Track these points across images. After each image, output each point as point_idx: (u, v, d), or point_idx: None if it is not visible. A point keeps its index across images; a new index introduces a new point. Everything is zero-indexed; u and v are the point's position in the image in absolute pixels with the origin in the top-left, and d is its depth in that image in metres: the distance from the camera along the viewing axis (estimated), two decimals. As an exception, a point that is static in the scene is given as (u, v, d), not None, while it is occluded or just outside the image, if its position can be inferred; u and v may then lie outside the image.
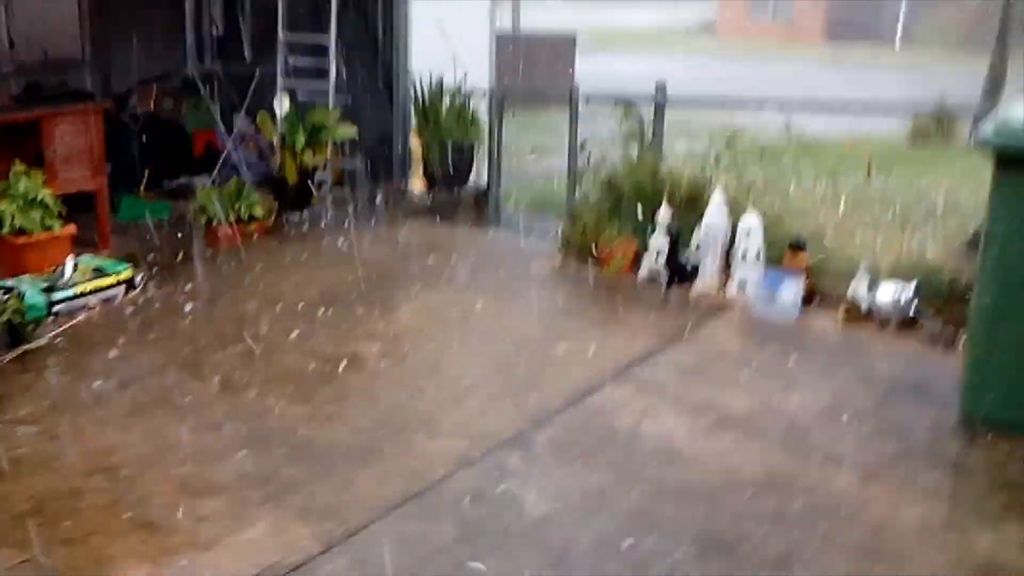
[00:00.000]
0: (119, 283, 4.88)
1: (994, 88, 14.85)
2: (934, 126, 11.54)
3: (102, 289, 4.79)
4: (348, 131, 6.38)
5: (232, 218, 5.73)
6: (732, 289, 5.16)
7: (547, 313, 5.00)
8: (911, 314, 4.74)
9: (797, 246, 5.07)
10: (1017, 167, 3.51)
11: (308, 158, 6.10)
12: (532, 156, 10.32)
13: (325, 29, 6.60)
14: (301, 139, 6.06)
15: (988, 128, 3.59)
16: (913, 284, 4.79)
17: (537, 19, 26.74)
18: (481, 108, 6.78)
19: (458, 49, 6.54)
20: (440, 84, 6.78)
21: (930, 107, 5.55)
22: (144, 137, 6.91)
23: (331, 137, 6.24)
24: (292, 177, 6.13)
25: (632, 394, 4.01)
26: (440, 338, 4.57)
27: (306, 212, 6.33)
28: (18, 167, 5.02)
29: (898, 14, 32.13)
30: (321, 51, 6.64)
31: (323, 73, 6.62)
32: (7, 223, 4.88)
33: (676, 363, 4.33)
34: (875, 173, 8.42)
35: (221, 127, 7.07)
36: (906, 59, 27.93)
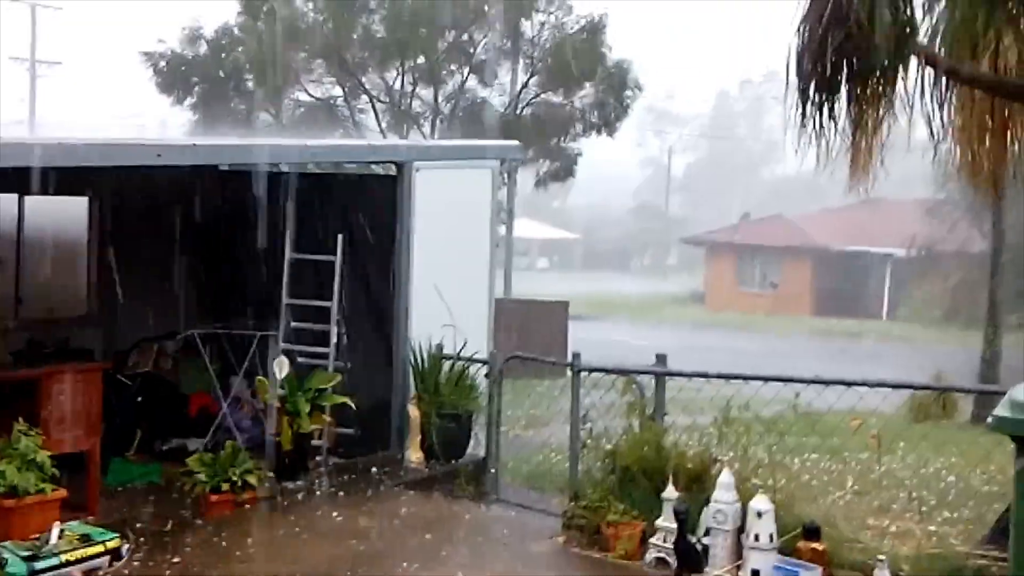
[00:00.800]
0: (105, 552, 4.64)
1: (991, 364, 15.23)
2: (934, 402, 11.66)
3: (87, 558, 4.56)
4: (346, 398, 6.36)
5: (225, 487, 5.55)
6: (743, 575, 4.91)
7: (551, 601, 4.72)
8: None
9: (812, 533, 4.89)
10: None
11: (306, 424, 6.02)
12: (530, 432, 10.28)
13: (328, 295, 6.79)
14: (304, 405, 6.01)
15: (1005, 409, 3.47)
16: (935, 576, 4.57)
17: (527, 288, 27.88)
18: (479, 375, 6.81)
19: (457, 315, 6.68)
20: (440, 351, 6.85)
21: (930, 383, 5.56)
22: (140, 397, 6.89)
23: (330, 403, 6.21)
24: (287, 443, 6.02)
25: None
26: (438, 626, 4.28)
27: (301, 480, 6.15)
28: (20, 426, 4.94)
29: (883, 287, 33.66)
30: (323, 316, 6.78)
31: (324, 338, 6.72)
32: (2, 483, 4.72)
33: (691, 662, 4.02)
34: (881, 451, 8.39)
35: (218, 390, 7.07)
36: (894, 332, 28.88)
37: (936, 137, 5.31)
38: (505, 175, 22.45)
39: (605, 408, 5.97)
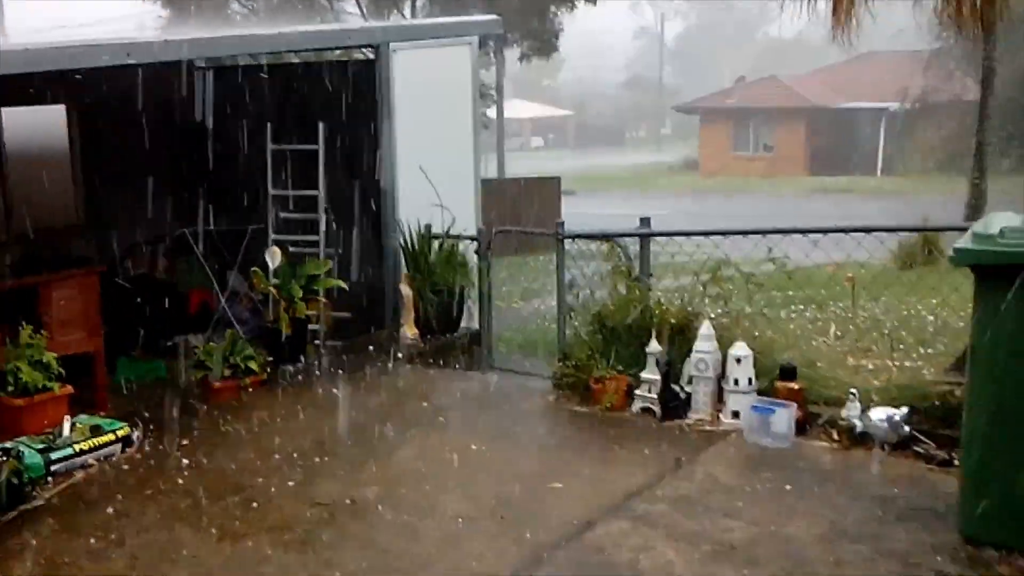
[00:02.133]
0: (116, 440, 4.92)
1: (975, 208, 15.38)
2: (920, 248, 11.88)
3: (99, 447, 4.83)
4: (339, 281, 6.57)
5: (227, 372, 5.82)
6: (726, 419, 5.20)
7: (542, 451, 5.02)
8: (905, 436, 4.77)
9: (787, 373, 5.15)
10: (996, 278, 3.57)
11: (302, 309, 6.26)
12: (521, 302, 10.57)
13: (313, 183, 6.90)
14: (297, 290, 6.24)
15: (965, 241, 3.67)
16: (905, 407, 4.83)
17: (523, 166, 27.83)
18: (470, 253, 6.98)
19: (444, 196, 6.81)
20: (428, 231, 7.00)
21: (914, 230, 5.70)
22: (139, 299, 7.08)
23: (323, 287, 6.43)
24: (286, 328, 6.26)
25: (629, 528, 4.00)
26: (436, 481, 4.58)
27: (301, 363, 6.43)
28: (26, 329, 5.15)
29: (877, 142, 33.45)
30: (310, 205, 6.92)
31: (313, 226, 6.87)
32: (16, 380, 4.96)
33: (672, 495, 4.32)
34: (863, 296, 8.62)
35: (215, 285, 7.26)
36: (888, 185, 28.88)
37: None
38: (491, 54, 22.11)
39: (594, 275, 6.16)
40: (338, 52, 7.58)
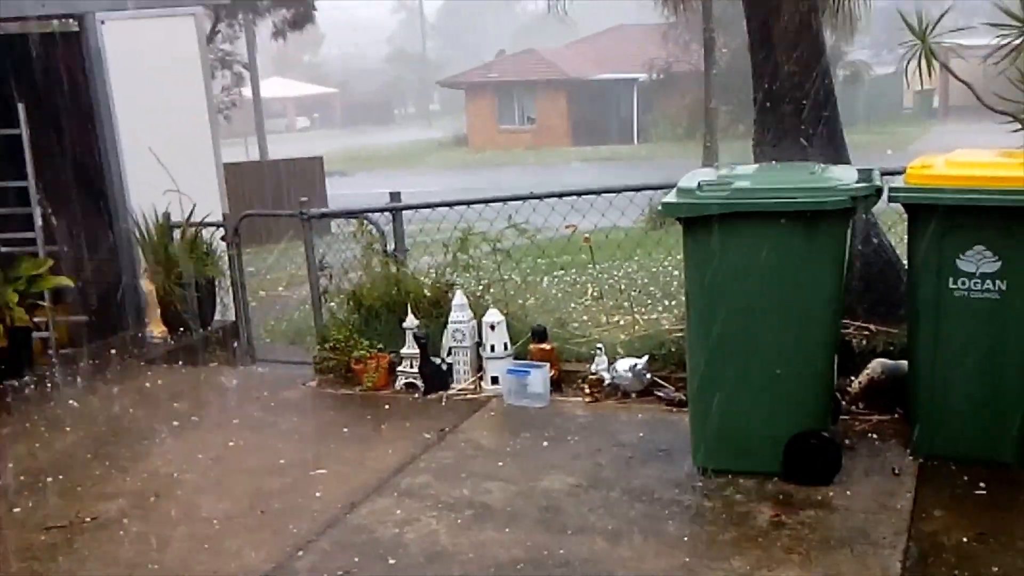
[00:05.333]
0: None
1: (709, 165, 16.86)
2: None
3: None
4: (62, 279, 6.01)
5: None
6: (487, 386, 5.31)
7: (304, 439, 4.90)
8: (648, 383, 5.08)
9: (539, 335, 5.33)
10: (696, 228, 3.90)
11: (21, 316, 5.67)
12: (290, 291, 10.26)
13: (21, 173, 6.30)
14: (12, 296, 5.64)
15: (671, 196, 3.98)
16: (647, 355, 5.15)
17: (289, 149, 26.96)
18: (218, 242, 6.65)
19: (182, 181, 6.41)
20: (167, 219, 6.59)
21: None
22: None
23: (45, 288, 5.86)
24: (1, 340, 5.66)
25: (393, 504, 4.01)
26: (190, 483, 4.36)
27: (26, 376, 5.84)
28: None
29: (631, 111, 35.39)
30: (21, 197, 6.28)
31: (28, 221, 6.25)
32: None
33: (435, 466, 4.37)
34: (617, 257, 9.10)
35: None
36: (643, 152, 30.67)
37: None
38: (237, 27, 21.06)
39: (354, 257, 6.06)
40: (38, 23, 6.87)
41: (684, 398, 4.84)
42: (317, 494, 4.15)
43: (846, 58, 27.94)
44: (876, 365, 4.63)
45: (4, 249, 6.12)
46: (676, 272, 8.87)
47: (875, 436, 4.32)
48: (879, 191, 3.90)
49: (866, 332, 5.05)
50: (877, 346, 4.84)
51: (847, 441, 4.22)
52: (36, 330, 5.98)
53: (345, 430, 4.96)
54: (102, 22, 6.45)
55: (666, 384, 5.07)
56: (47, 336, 6.13)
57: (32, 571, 3.63)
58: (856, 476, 3.95)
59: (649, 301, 7.70)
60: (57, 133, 6.46)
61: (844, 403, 4.53)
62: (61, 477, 4.46)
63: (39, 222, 6.25)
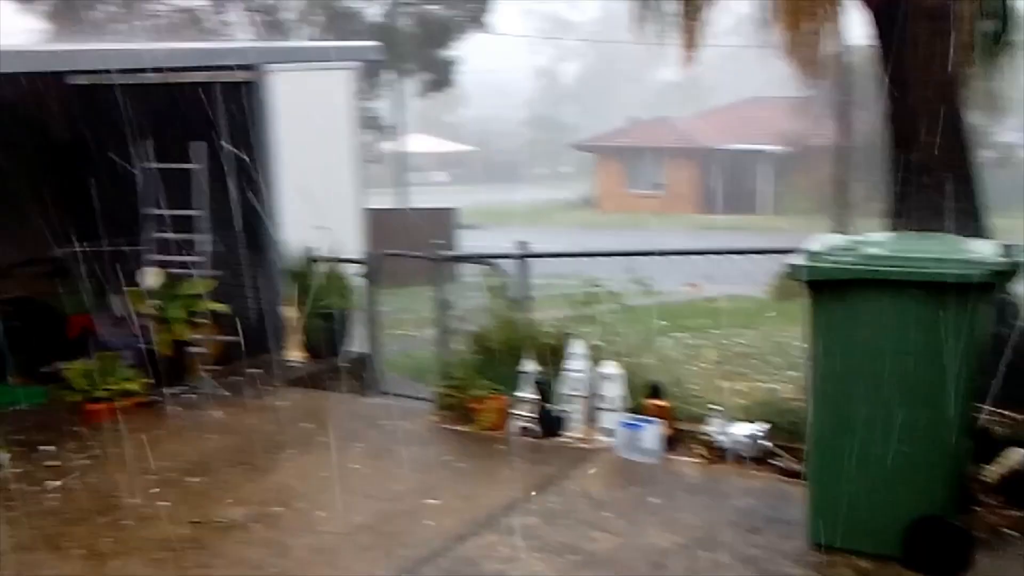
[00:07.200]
0: (-20, 464, 4.77)
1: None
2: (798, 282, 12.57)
3: (-38, 469, 4.68)
4: (219, 304, 6.52)
5: (104, 395, 5.70)
6: (598, 437, 5.39)
7: (419, 469, 5.09)
8: (765, 451, 5.04)
9: (655, 391, 5.38)
10: (822, 293, 3.80)
11: (182, 331, 6.18)
12: (421, 331, 10.60)
13: (195, 203, 6.87)
14: (174, 312, 6.17)
15: (798, 259, 3.89)
16: (765, 422, 5.11)
17: (427, 201, 27.85)
18: (355, 278, 7.04)
19: (328, 220, 6.87)
20: (311, 253, 7.03)
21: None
22: (16, 323, 6.85)
23: (205, 309, 6.37)
24: (164, 349, 6.18)
25: (500, 541, 4.12)
26: (312, 498, 4.61)
27: (182, 386, 6.34)
28: None
29: (761, 182, 34.95)
30: (191, 225, 6.87)
31: (194, 246, 6.83)
32: None
33: (543, 509, 4.46)
34: (731, 325, 9.05)
35: (95, 308, 7.09)
36: (772, 224, 30.14)
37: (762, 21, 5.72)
38: (390, 87, 22.23)
39: (478, 298, 6.30)
40: (220, 72, 7.54)
41: (802, 469, 4.76)
42: (428, 522, 4.32)
43: (994, 139, 26.80)
44: (1017, 455, 4.38)
45: (173, 271, 6.67)
46: (802, 345, 8.72)
47: (1013, 533, 4.06)
48: (1020, 268, 3.72)
49: (1007, 420, 4.83)
50: (1020, 436, 4.56)
51: (978, 534, 3.93)
52: (193, 346, 6.48)
53: (459, 465, 5.13)
54: (272, 72, 7.03)
55: (784, 453, 4.99)
56: (202, 352, 6.60)
57: (171, 559, 3.94)
58: (984, 573, 3.73)
59: (773, 371, 7.61)
60: (227, 170, 7.04)
61: (979, 493, 4.28)
62: (202, 479, 4.82)
63: (204, 248, 6.79)
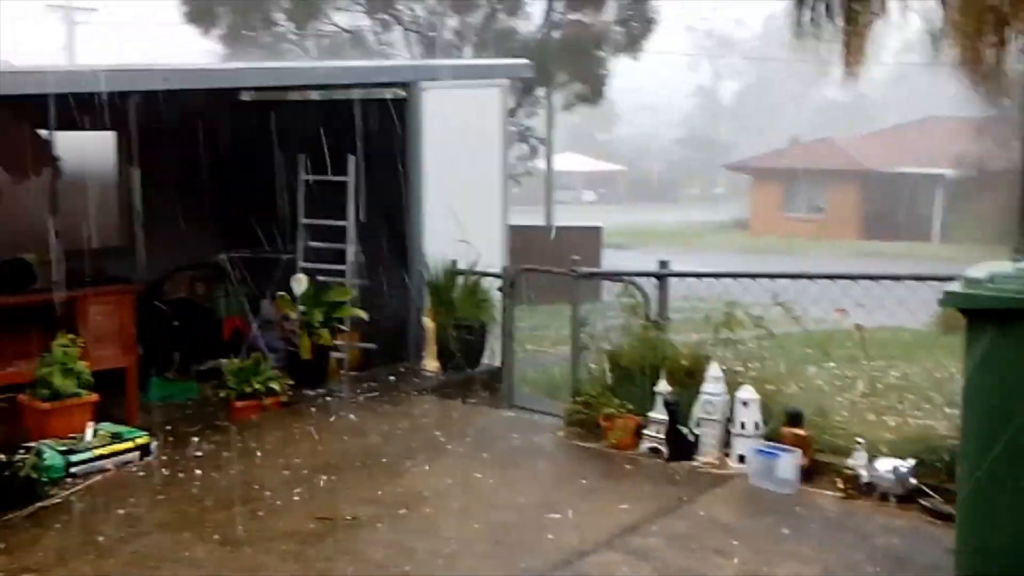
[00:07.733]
0: (135, 448, 5.13)
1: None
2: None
3: (118, 453, 5.04)
4: (359, 311, 6.73)
5: (249, 392, 6.00)
6: (731, 462, 5.21)
7: (544, 482, 5.08)
8: (911, 489, 4.72)
9: (794, 419, 5.15)
10: (982, 323, 3.56)
11: (324, 336, 6.44)
12: (556, 348, 10.60)
13: (344, 214, 7.14)
14: (318, 316, 6.44)
15: (957, 285, 3.65)
16: (913, 459, 4.79)
17: (574, 220, 27.96)
18: (495, 292, 7.11)
19: (472, 235, 6.99)
20: (453, 266, 7.17)
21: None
22: (176, 322, 7.34)
23: (345, 315, 6.61)
24: (306, 352, 6.45)
25: (621, 560, 4.04)
26: (438, 504, 4.68)
27: (322, 388, 6.59)
28: (62, 338, 5.40)
29: (932, 208, 32.99)
30: (339, 235, 7.15)
31: (341, 256, 7.10)
32: (48, 385, 5.19)
33: (668, 532, 4.35)
34: (886, 355, 8.53)
35: (248, 312, 7.50)
36: (943, 253, 28.38)
37: (936, 35, 5.41)
38: (552, 107, 22.45)
39: (615, 316, 6.23)
40: (373, 89, 7.85)
41: (951, 511, 4.45)
42: (549, 536, 4.29)
43: None
44: None
45: (320, 278, 6.98)
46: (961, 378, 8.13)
47: None
48: None
49: None
50: None
51: None
52: (334, 351, 6.74)
53: (584, 481, 5.07)
54: (424, 89, 7.25)
55: (933, 493, 4.67)
56: (342, 357, 6.87)
57: (298, 551, 4.09)
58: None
59: (928, 406, 7.12)
60: (376, 183, 7.34)
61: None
62: (333, 477, 5.00)
63: (350, 258, 7.08)
